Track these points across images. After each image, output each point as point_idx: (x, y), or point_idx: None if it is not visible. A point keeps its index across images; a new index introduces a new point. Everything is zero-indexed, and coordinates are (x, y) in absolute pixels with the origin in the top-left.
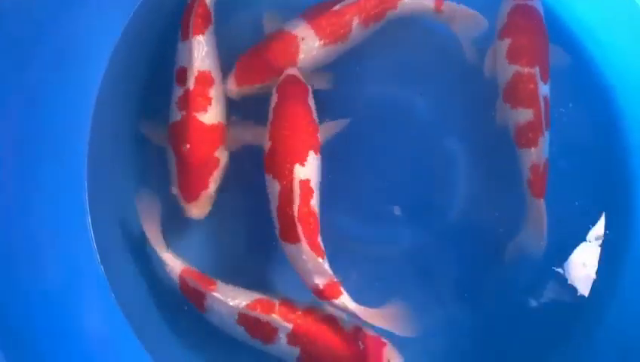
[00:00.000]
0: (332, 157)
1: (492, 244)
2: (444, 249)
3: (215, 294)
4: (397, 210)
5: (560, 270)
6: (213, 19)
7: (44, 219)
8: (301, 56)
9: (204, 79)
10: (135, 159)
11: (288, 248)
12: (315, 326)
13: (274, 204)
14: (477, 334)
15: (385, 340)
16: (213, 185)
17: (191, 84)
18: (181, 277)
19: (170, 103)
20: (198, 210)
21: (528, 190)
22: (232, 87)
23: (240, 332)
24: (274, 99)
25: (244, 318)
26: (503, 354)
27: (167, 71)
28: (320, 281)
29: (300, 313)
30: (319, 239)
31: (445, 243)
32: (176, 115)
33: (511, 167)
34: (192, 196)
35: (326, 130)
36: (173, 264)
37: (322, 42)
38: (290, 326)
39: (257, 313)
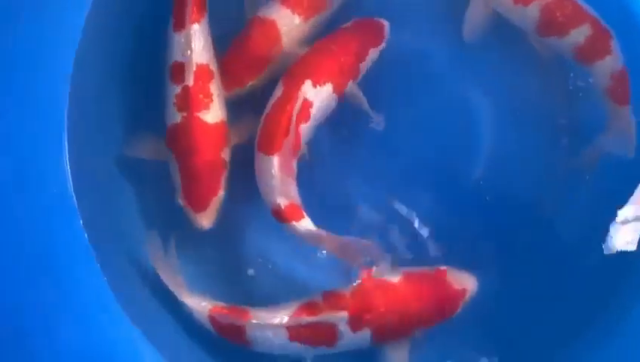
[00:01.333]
0: (348, 116)
1: (520, 210)
2: (468, 214)
3: (254, 321)
4: (416, 172)
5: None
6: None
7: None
8: (284, 40)
9: (204, 74)
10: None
11: (261, 161)
12: (369, 297)
13: (266, 112)
14: (504, 301)
15: (441, 267)
16: (222, 190)
17: (190, 80)
18: (212, 318)
19: (166, 105)
20: (208, 219)
21: (610, 101)
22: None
23: (298, 348)
24: None
25: (296, 332)
26: (539, 321)
27: (148, 70)
28: (282, 201)
29: (345, 295)
30: (294, 162)
31: (469, 208)
32: (175, 117)
33: (540, 123)
34: (202, 205)
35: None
36: (200, 307)
37: (302, 18)
38: (345, 313)
39: (306, 319)
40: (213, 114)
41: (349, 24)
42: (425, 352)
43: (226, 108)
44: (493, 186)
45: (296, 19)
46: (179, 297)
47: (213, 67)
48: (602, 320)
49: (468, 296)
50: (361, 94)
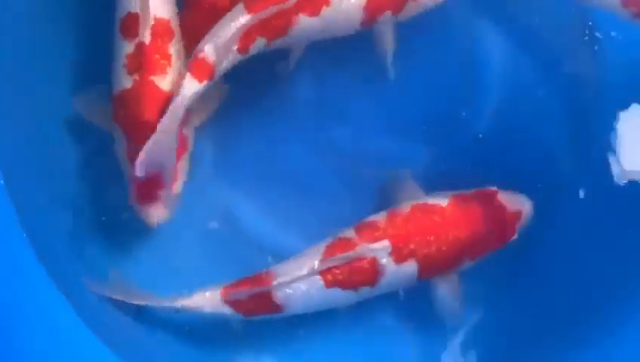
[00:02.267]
0: (342, 56)
1: (527, 169)
2: (468, 171)
3: (280, 280)
4: (412, 123)
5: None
6: None
7: None
8: None
9: (164, 30)
10: None
11: None
12: (413, 223)
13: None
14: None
15: (491, 188)
16: (181, 176)
17: (146, 36)
18: (230, 302)
19: (114, 66)
20: (162, 212)
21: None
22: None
23: (339, 296)
24: None
25: (332, 275)
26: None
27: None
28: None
29: (381, 223)
30: None
31: (470, 163)
32: (125, 81)
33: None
34: (152, 196)
35: None
36: (208, 300)
37: None
38: (386, 243)
39: (342, 256)
40: (171, 80)
41: None
42: None
43: None
44: (494, 140)
45: None
46: (175, 305)
47: (174, 25)
48: None
49: (524, 219)
50: (392, 37)
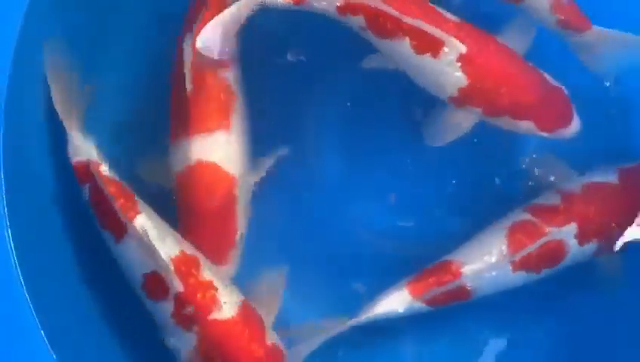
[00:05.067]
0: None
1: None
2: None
3: (470, 268)
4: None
5: None
6: None
7: None
8: None
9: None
10: None
11: None
12: (594, 203)
13: None
14: None
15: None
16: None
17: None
18: (418, 298)
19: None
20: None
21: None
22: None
23: (522, 278)
24: None
25: (521, 260)
26: None
27: None
28: None
29: (559, 206)
30: None
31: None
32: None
33: None
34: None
35: None
36: (398, 297)
37: None
38: (573, 225)
39: (538, 241)
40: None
41: None
42: None
43: None
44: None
45: None
46: (361, 320)
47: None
48: None
49: None
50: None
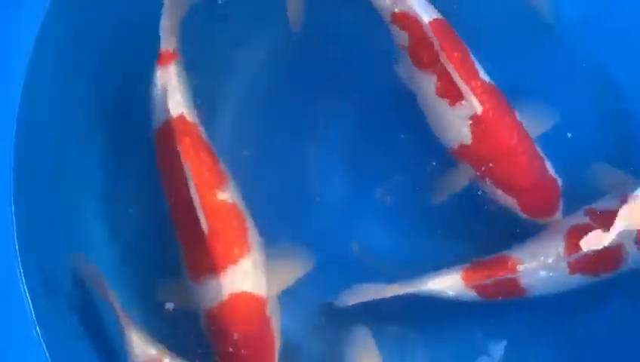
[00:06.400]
0: None
1: None
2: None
3: (526, 266)
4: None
5: None
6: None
7: None
8: None
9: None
10: None
11: None
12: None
13: None
14: None
15: None
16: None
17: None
18: (471, 286)
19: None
20: None
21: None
22: None
23: (579, 280)
24: None
25: (579, 262)
26: None
27: None
28: None
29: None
30: None
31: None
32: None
33: None
34: None
35: None
36: (452, 282)
37: None
38: (634, 231)
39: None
40: None
41: None
42: None
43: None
44: None
45: None
46: (411, 289)
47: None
48: None
49: None
50: None
